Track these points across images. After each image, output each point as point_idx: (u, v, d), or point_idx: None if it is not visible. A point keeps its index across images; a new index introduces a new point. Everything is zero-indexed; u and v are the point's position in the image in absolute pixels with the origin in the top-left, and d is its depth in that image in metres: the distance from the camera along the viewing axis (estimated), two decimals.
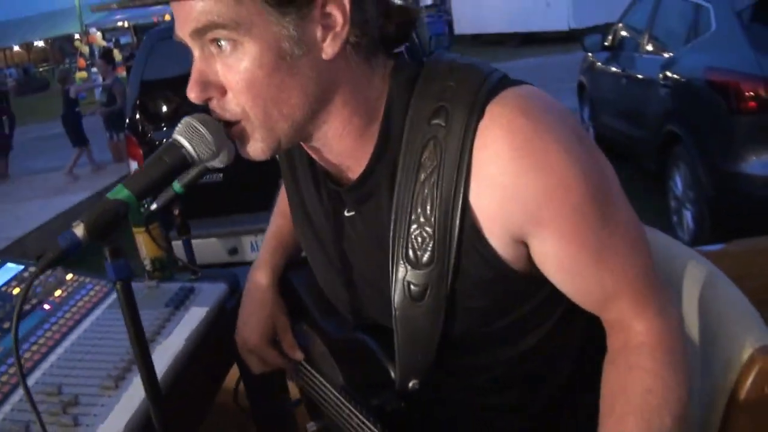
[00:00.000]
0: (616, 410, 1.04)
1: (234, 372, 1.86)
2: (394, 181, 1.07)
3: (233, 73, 0.99)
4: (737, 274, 2.19)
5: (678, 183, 5.46)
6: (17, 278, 1.64)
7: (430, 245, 1.04)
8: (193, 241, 5.09)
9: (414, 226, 1.05)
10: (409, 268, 1.06)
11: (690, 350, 1.30)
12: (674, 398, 1.03)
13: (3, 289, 1.58)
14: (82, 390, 1.27)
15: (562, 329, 1.18)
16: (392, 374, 1.15)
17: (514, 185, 0.98)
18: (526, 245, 1.04)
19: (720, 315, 1.26)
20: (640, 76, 6.26)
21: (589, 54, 8.03)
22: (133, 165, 5.66)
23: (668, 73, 5.50)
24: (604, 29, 7.69)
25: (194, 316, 1.53)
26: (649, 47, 6.39)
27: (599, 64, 7.65)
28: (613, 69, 7.07)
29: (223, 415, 2.18)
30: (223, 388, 2.08)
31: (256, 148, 1.04)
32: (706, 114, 4.99)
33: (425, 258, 1.05)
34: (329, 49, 1.00)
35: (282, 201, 1.54)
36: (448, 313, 1.08)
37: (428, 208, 1.03)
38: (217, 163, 1.38)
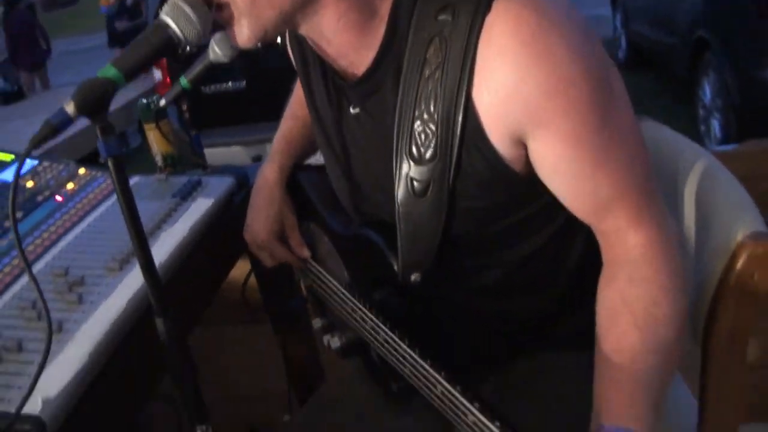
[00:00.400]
0: (620, 324, 1.02)
1: (244, 268, 1.92)
2: (399, 78, 1.05)
3: None
4: (749, 174, 2.18)
5: (707, 91, 5.39)
6: (31, 172, 1.69)
7: (433, 141, 1.04)
8: (219, 149, 5.16)
9: (418, 123, 1.04)
10: (412, 164, 1.07)
11: (686, 238, 1.32)
12: (678, 308, 1.03)
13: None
14: (88, 272, 1.31)
15: (563, 238, 1.18)
16: (395, 267, 1.16)
17: (516, 82, 0.96)
18: (525, 146, 1.03)
19: (717, 205, 1.26)
20: None
21: None
22: (157, 74, 5.68)
23: None
24: None
25: (200, 207, 1.57)
26: None
27: None
28: None
29: (234, 308, 2.25)
30: (236, 281, 2.15)
31: (242, 34, 1.04)
32: (735, 19, 4.90)
33: (428, 154, 1.05)
34: None
35: (293, 103, 1.55)
36: (449, 211, 1.08)
37: (432, 104, 1.02)
38: (221, 57, 1.40)
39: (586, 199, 1.05)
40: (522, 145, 1.02)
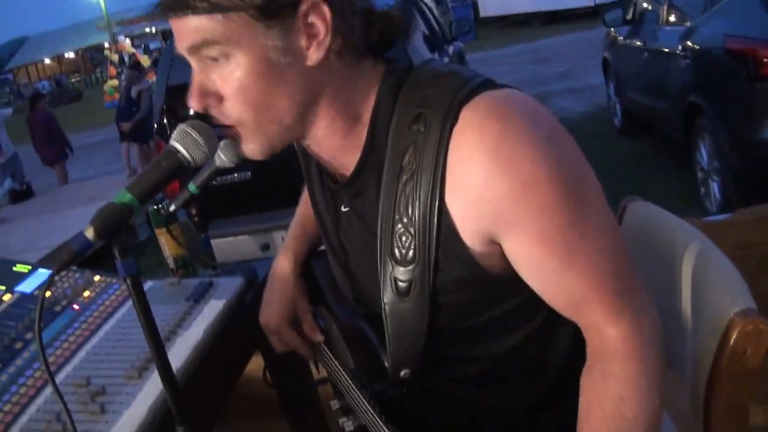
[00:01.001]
0: (591, 420, 1.07)
1: (258, 363, 1.96)
2: (380, 182, 1.13)
3: (227, 83, 1.07)
4: (744, 242, 2.25)
5: (703, 154, 5.45)
6: (48, 281, 1.75)
7: (413, 244, 1.10)
8: (227, 239, 5.19)
9: (398, 226, 1.11)
10: (394, 265, 1.13)
11: (682, 316, 1.37)
12: (648, 408, 1.05)
13: (35, 293, 1.69)
14: (109, 381, 1.37)
15: (549, 329, 1.22)
16: (386, 364, 1.22)
17: (483, 186, 1.02)
18: (499, 245, 1.08)
19: (708, 283, 1.31)
20: (660, 49, 6.24)
21: (612, 29, 8.01)
22: None
23: (687, 44, 5.49)
24: (624, 3, 7.65)
25: (213, 309, 1.63)
26: (668, 18, 6.37)
27: (621, 38, 7.63)
28: (635, 43, 7.06)
29: (249, 403, 2.29)
30: (252, 375, 2.18)
31: (251, 149, 1.14)
32: (726, 83, 4.98)
33: (409, 256, 1.11)
34: (313, 56, 1.07)
35: (306, 191, 1.63)
36: (432, 308, 1.13)
37: (410, 209, 1.09)
38: (227, 163, 1.48)
39: (561, 297, 1.10)
40: (496, 244, 1.08)
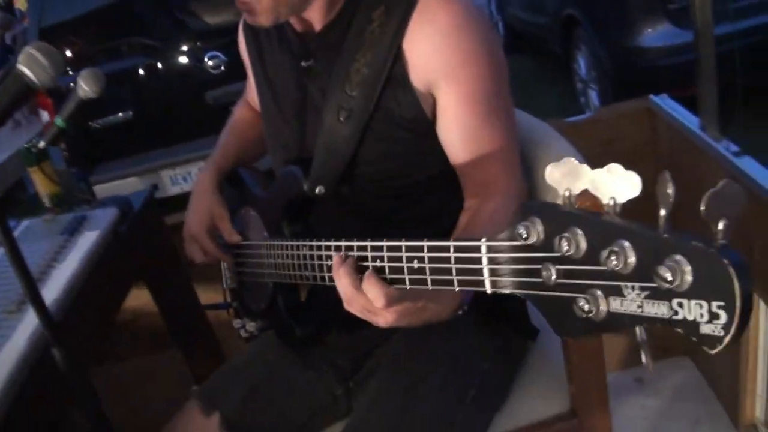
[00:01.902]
0: (465, 221, 1.24)
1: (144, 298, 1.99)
2: (347, 32, 1.29)
3: None
4: (608, 138, 2.36)
5: (581, 65, 5.61)
6: None
7: (365, 79, 1.27)
8: (114, 183, 5.08)
9: (355, 65, 1.27)
10: (342, 95, 1.28)
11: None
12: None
13: None
14: None
15: (450, 186, 1.34)
16: (305, 187, 1.33)
17: (440, 42, 1.23)
18: (434, 99, 1.27)
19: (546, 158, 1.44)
20: None
21: None
22: (44, 115, 5.62)
23: None
24: None
25: (87, 240, 1.65)
26: None
27: None
28: None
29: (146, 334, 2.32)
30: (142, 310, 2.21)
31: (262, 16, 1.26)
32: None
33: (356, 88, 1.27)
34: None
35: (233, 119, 1.72)
36: (363, 136, 1.29)
37: (369, 52, 1.27)
38: (89, 93, 1.48)
39: (471, 149, 1.27)
40: (432, 96, 1.27)
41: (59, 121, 1.76)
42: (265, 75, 1.49)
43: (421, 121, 1.29)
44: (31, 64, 1.09)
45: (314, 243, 1.20)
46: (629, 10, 4.89)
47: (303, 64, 1.37)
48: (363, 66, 1.27)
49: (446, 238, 1.03)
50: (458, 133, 1.28)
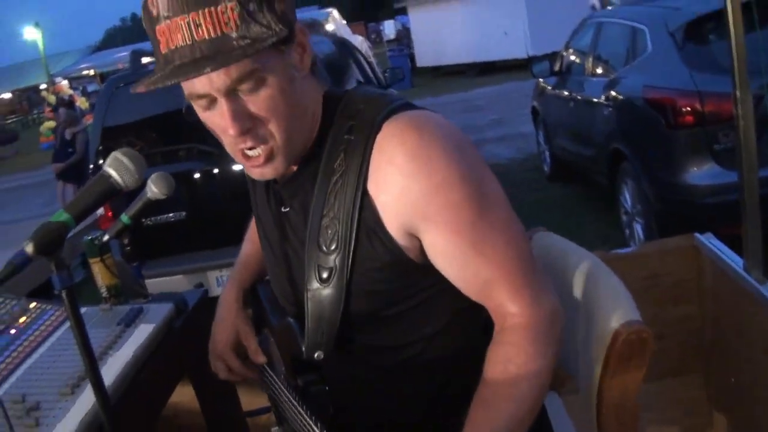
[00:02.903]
0: (484, 378, 1.23)
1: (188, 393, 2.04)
2: (315, 182, 1.28)
3: (264, 103, 1.20)
4: (652, 273, 2.40)
5: (627, 198, 5.67)
6: None
7: (336, 235, 1.25)
8: (161, 279, 5.18)
9: (326, 220, 1.26)
10: (319, 254, 1.27)
11: (574, 329, 1.50)
12: (533, 368, 1.22)
13: None
14: (43, 397, 1.44)
15: (462, 323, 1.36)
16: (302, 347, 1.33)
17: (404, 184, 1.20)
18: (418, 239, 1.24)
19: (599, 299, 1.45)
20: (586, 98, 6.50)
21: (540, 80, 8.30)
22: (99, 210, 5.80)
23: (611, 93, 5.75)
24: (552, 56, 7.95)
25: (143, 332, 1.71)
26: (593, 70, 6.65)
27: (549, 88, 7.91)
28: (562, 93, 7.33)
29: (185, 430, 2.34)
30: (184, 407, 2.24)
31: (276, 170, 1.27)
32: (646, 131, 5.22)
33: (332, 246, 1.26)
34: (305, 62, 1.26)
35: (251, 229, 1.73)
36: (347, 293, 1.27)
37: (336, 205, 1.25)
38: (158, 194, 1.58)
39: (471, 280, 1.26)
40: (415, 238, 1.25)
41: (125, 219, 1.85)
42: (256, 211, 1.54)
43: (402, 262, 1.26)
44: (117, 167, 1.19)
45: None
46: (675, 148, 4.97)
47: (283, 210, 1.39)
48: (333, 220, 1.26)
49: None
50: (452, 269, 1.26)
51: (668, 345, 1.40)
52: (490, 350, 1.25)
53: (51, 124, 22.80)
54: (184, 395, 2.13)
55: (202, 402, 2.12)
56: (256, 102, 1.19)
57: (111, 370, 1.53)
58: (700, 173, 4.88)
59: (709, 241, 2.41)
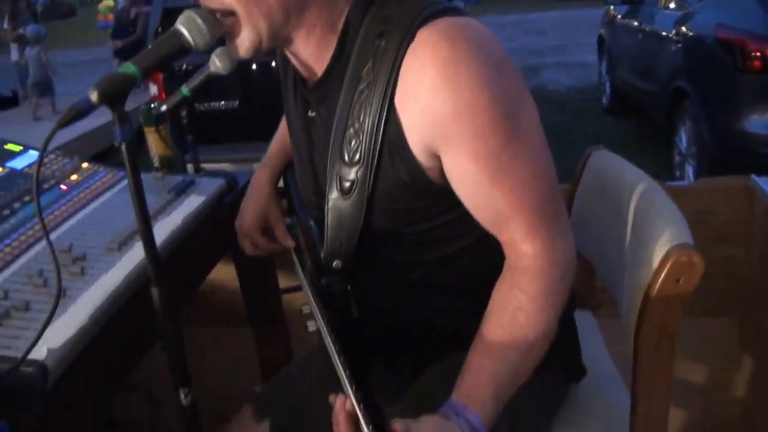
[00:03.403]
0: (490, 321, 1.19)
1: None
2: (340, 89, 1.22)
3: None
4: (703, 209, 2.36)
5: (683, 138, 5.58)
6: (37, 162, 1.84)
7: (360, 148, 1.20)
8: (210, 165, 5.26)
9: (350, 130, 1.21)
10: (341, 165, 1.23)
11: (625, 249, 1.48)
12: (542, 319, 1.18)
13: (25, 170, 1.78)
14: (90, 250, 1.46)
15: (479, 249, 1.31)
16: (321, 254, 1.33)
17: (429, 101, 1.12)
18: (439, 159, 1.18)
19: (652, 221, 1.42)
20: (655, 31, 6.35)
21: (611, 7, 8.09)
22: (153, 88, 5.83)
23: (681, 29, 5.60)
24: None
25: (192, 203, 1.73)
26: (666, 2, 6.46)
27: (619, 17, 7.72)
28: (632, 23, 7.15)
29: (223, 307, 2.39)
30: (223, 284, 2.29)
31: (242, 44, 1.20)
32: (712, 71, 5.10)
33: (355, 158, 1.21)
34: None
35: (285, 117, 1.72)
36: (368, 209, 1.24)
37: (361, 115, 1.19)
38: (221, 69, 1.57)
39: (486, 212, 1.21)
40: (436, 157, 1.18)
41: (185, 90, 1.85)
42: (286, 109, 1.50)
43: (422, 182, 1.21)
44: (189, 26, 1.17)
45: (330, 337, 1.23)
46: (740, 93, 4.87)
47: (310, 114, 1.35)
48: (357, 131, 1.20)
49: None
50: (468, 197, 1.20)
51: (709, 284, 1.39)
52: (499, 289, 1.21)
53: (109, 3, 22.83)
54: (225, 273, 2.17)
55: (242, 280, 2.15)
56: None
57: (159, 234, 1.51)
58: (763, 121, 4.77)
59: (765, 183, 2.36)
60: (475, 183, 1.16)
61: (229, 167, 5.21)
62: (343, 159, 1.23)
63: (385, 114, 1.17)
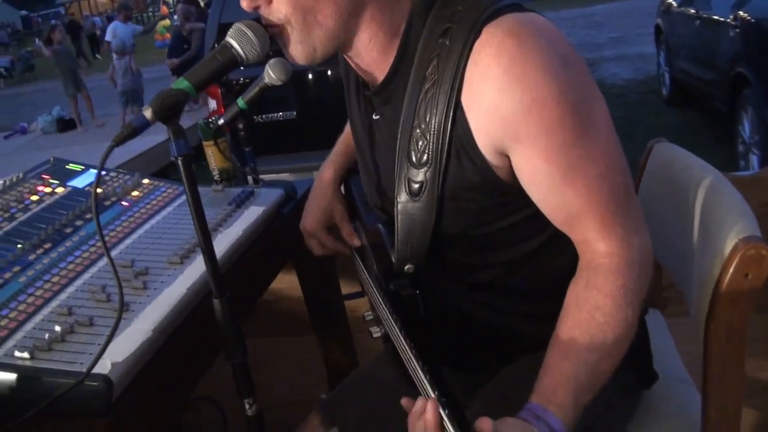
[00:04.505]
0: (567, 322, 1.16)
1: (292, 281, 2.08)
2: (405, 91, 1.21)
3: None
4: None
5: (746, 127, 5.45)
6: (98, 180, 1.87)
7: (427, 148, 1.18)
8: (269, 176, 5.34)
9: (417, 131, 1.19)
10: (409, 167, 1.21)
11: (691, 243, 1.45)
12: (620, 318, 1.14)
13: (87, 189, 1.81)
14: (152, 264, 1.48)
15: (553, 245, 1.29)
16: (393, 258, 1.32)
17: (497, 100, 1.10)
18: (509, 158, 1.16)
19: (719, 214, 1.38)
20: (713, 17, 6.21)
21: None
22: (212, 103, 5.91)
23: (740, 13, 5.46)
24: None
25: (253, 214, 1.74)
26: None
27: (675, 5, 7.57)
28: (689, 10, 7.00)
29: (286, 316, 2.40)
30: (285, 294, 2.30)
31: (297, 51, 1.21)
32: None
33: (423, 159, 1.19)
34: None
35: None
36: (439, 211, 1.22)
37: (428, 115, 1.17)
38: (275, 80, 1.58)
39: (558, 210, 1.18)
40: (505, 156, 1.16)
41: (241, 103, 1.87)
42: (350, 114, 1.48)
43: (492, 182, 1.19)
44: (240, 39, 1.18)
45: (405, 340, 1.20)
46: None
47: (374, 117, 1.33)
48: (424, 132, 1.18)
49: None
50: (539, 196, 1.18)
51: None
52: (575, 289, 1.18)
53: (166, 22, 23.26)
54: (286, 282, 2.18)
55: (304, 287, 2.16)
56: None
57: (220, 246, 1.55)
58: None
59: None
60: (546, 181, 1.14)
61: (288, 177, 5.26)
62: (411, 160, 1.21)
63: (451, 114, 1.15)
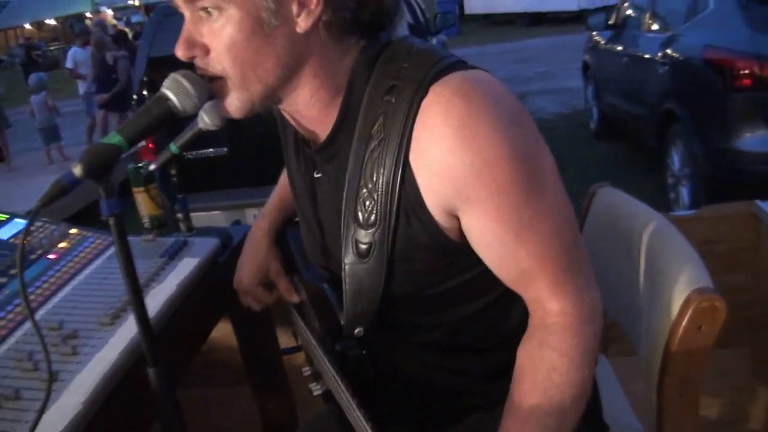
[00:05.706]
0: (523, 384, 1.14)
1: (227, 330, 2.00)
2: (350, 150, 1.17)
3: (217, 36, 1.10)
4: (709, 238, 2.31)
5: (675, 160, 5.55)
6: (24, 231, 1.77)
7: (375, 209, 1.14)
8: (198, 214, 5.22)
9: (363, 191, 1.15)
10: (356, 228, 1.17)
11: (640, 293, 1.42)
12: (577, 378, 1.12)
13: (11, 240, 1.71)
14: (82, 326, 1.40)
15: (502, 304, 1.26)
16: (341, 320, 1.26)
17: (446, 160, 1.07)
18: (458, 219, 1.13)
19: (668, 264, 1.37)
20: (641, 55, 6.34)
21: (594, 33, 8.11)
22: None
23: (668, 51, 5.58)
24: (607, 9, 7.75)
25: (187, 266, 1.66)
26: (651, 26, 6.46)
27: (603, 42, 7.73)
28: (616, 48, 7.15)
29: (220, 367, 2.32)
30: (220, 343, 2.22)
31: (232, 105, 1.16)
32: (702, 92, 5.07)
33: (370, 220, 1.15)
34: (302, 23, 1.11)
35: (285, 170, 1.67)
36: (389, 273, 1.18)
37: (374, 175, 1.13)
38: (210, 125, 1.51)
39: (510, 270, 1.15)
40: (454, 217, 1.13)
41: (174, 148, 1.79)
42: (288, 166, 1.44)
43: (441, 242, 1.15)
44: (176, 90, 1.11)
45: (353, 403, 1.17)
46: (730, 112, 4.84)
47: (315, 175, 1.29)
48: (371, 192, 1.14)
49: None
50: (490, 256, 1.15)
51: None
52: (528, 349, 1.16)
53: None
54: (220, 331, 2.10)
55: (240, 339, 2.08)
56: (212, 31, 1.10)
57: (153, 303, 1.47)
58: (754, 139, 4.75)
59: None
60: (498, 242, 1.12)
61: (219, 215, 5.17)
62: (358, 221, 1.17)
63: (400, 172, 1.11)
